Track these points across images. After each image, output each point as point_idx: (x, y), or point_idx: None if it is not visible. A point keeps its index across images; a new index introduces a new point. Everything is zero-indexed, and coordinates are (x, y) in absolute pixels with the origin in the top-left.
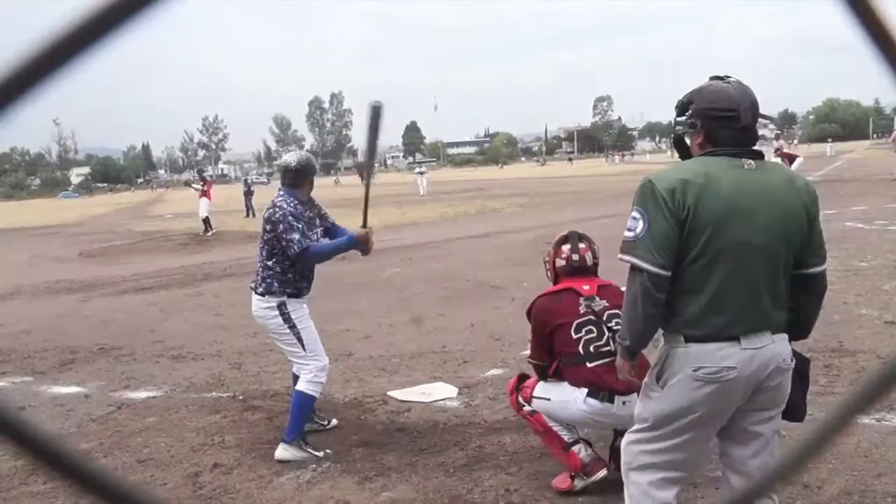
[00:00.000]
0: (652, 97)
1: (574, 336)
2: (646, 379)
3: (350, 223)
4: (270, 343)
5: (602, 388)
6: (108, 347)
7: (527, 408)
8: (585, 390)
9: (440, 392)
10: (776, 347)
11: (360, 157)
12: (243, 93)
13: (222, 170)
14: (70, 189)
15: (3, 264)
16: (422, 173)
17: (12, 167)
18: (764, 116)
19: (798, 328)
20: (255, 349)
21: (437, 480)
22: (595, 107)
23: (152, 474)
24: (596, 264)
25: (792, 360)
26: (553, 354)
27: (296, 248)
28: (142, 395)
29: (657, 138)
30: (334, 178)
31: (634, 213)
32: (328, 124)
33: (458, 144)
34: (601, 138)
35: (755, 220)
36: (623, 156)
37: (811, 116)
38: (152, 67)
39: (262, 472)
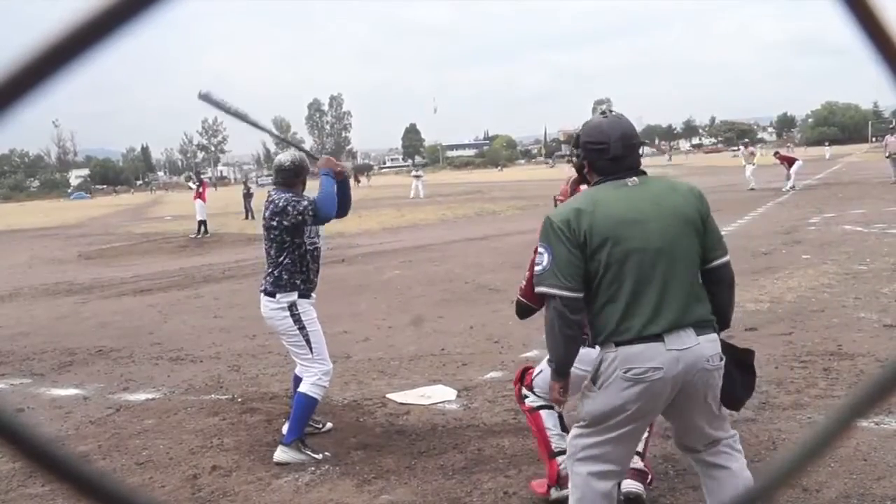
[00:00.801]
0: (651, 100)
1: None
2: (585, 381)
3: (346, 225)
4: (269, 345)
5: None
6: (106, 349)
7: (528, 400)
8: None
9: (439, 395)
10: (701, 349)
11: (360, 160)
12: (243, 95)
13: (221, 172)
14: (70, 189)
15: (1, 266)
16: (418, 177)
17: (11, 169)
18: (643, 143)
19: (718, 319)
20: (254, 351)
21: (435, 483)
22: (594, 109)
23: (151, 476)
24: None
25: (721, 360)
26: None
27: (310, 210)
28: (140, 397)
29: (657, 141)
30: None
31: (540, 249)
32: (327, 126)
33: (457, 147)
34: None
35: (648, 228)
36: None
37: (810, 119)
38: (151, 69)
39: (261, 474)
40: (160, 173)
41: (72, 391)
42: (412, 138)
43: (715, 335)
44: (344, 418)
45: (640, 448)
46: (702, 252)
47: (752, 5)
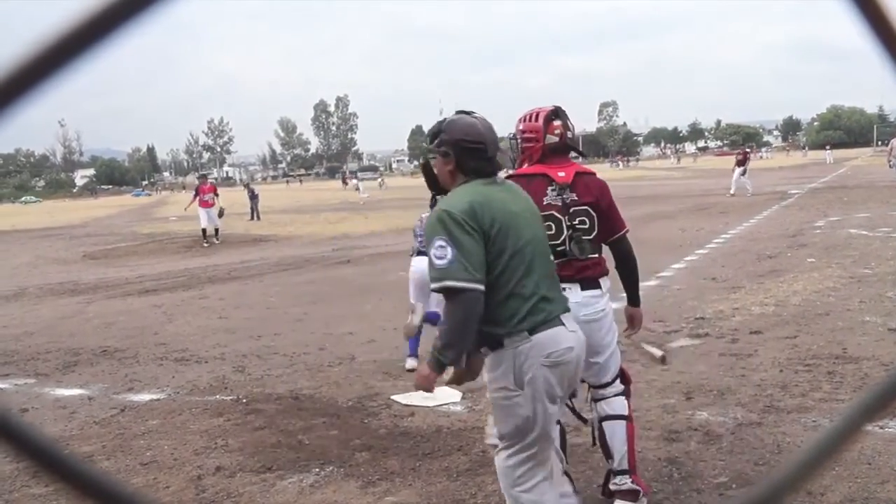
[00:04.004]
0: (657, 102)
1: None
2: (496, 394)
3: (352, 226)
4: (274, 346)
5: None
6: (111, 350)
7: None
8: None
9: (444, 396)
10: (579, 326)
11: (366, 162)
12: (249, 95)
13: (227, 172)
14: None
15: (6, 266)
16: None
17: (17, 168)
18: (502, 151)
19: None
20: (259, 352)
21: (440, 485)
22: (600, 112)
23: (155, 477)
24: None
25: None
26: None
27: None
28: (145, 397)
29: (662, 144)
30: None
31: (439, 243)
32: (333, 128)
33: None
34: (606, 143)
35: (525, 222)
36: (628, 161)
37: (815, 123)
38: (157, 70)
39: (265, 475)
40: (166, 174)
41: (76, 391)
42: (418, 140)
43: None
44: (349, 420)
45: (624, 466)
46: None
47: (758, 9)
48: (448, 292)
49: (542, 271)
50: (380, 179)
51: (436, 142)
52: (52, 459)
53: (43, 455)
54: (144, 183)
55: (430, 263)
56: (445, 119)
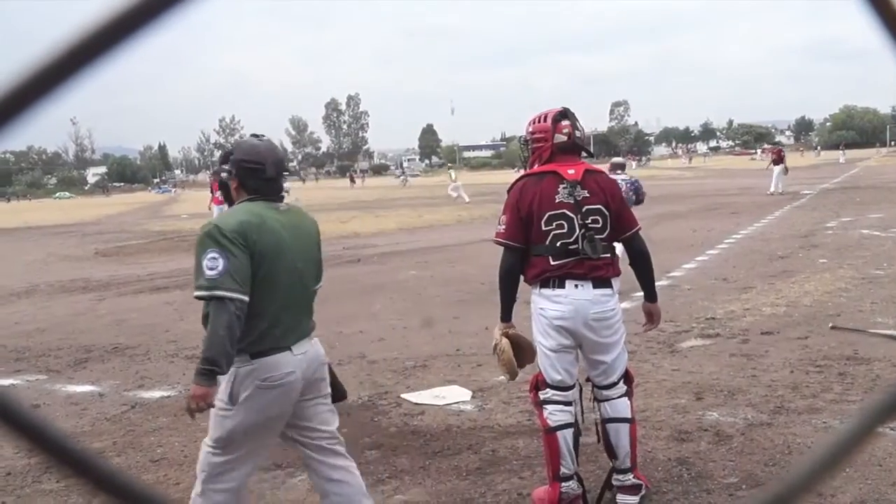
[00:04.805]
0: (668, 102)
1: (544, 228)
2: (216, 402)
3: (362, 225)
4: None
5: (554, 277)
6: (122, 347)
7: (547, 414)
8: (539, 289)
9: (454, 395)
10: (316, 350)
11: (377, 160)
12: (260, 94)
13: None
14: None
15: (18, 263)
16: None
17: (29, 165)
18: (287, 170)
19: None
20: None
21: (449, 484)
22: (612, 111)
23: (165, 473)
24: (584, 146)
25: (325, 358)
26: (527, 239)
27: None
28: (156, 394)
29: (673, 143)
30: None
31: (212, 255)
32: (345, 126)
33: (474, 148)
34: (617, 143)
35: (294, 251)
36: (640, 160)
37: (828, 124)
38: (169, 68)
39: (275, 472)
40: (177, 171)
41: (87, 388)
42: (429, 139)
43: (317, 340)
44: (359, 418)
45: (627, 464)
46: (318, 274)
47: (771, 8)
48: (217, 301)
49: (291, 301)
50: (403, 177)
51: (227, 163)
52: (65, 453)
53: (57, 449)
54: (156, 181)
55: (200, 273)
56: (237, 141)
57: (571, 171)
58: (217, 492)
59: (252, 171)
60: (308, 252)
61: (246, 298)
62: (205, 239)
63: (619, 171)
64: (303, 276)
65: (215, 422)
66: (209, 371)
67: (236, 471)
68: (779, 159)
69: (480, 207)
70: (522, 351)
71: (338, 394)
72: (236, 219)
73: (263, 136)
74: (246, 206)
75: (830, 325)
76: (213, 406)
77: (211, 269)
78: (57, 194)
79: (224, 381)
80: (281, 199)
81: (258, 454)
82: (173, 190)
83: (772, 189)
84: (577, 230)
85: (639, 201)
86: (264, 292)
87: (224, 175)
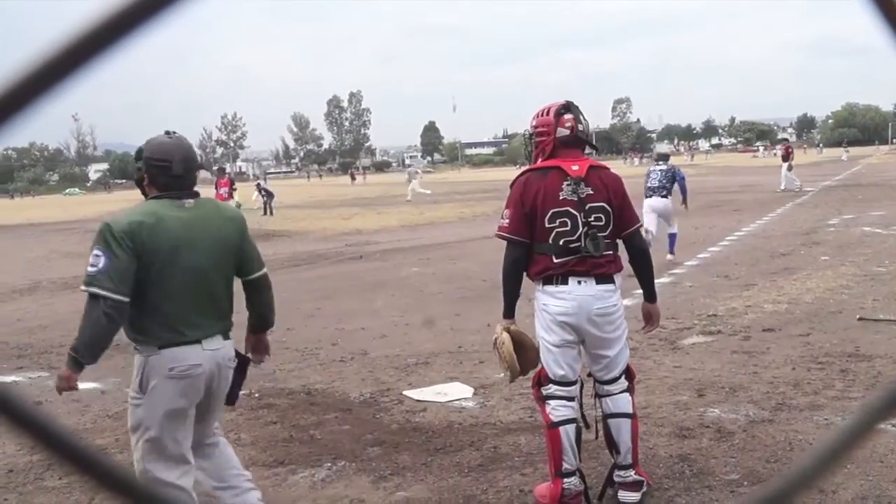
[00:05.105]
0: (671, 99)
1: (547, 226)
2: (129, 393)
3: (365, 222)
4: (287, 341)
5: (557, 274)
6: (124, 344)
7: (550, 408)
8: (542, 286)
9: (456, 392)
10: (226, 351)
11: (379, 157)
12: (262, 91)
13: (240, 167)
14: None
15: (20, 260)
16: (411, 177)
17: (31, 162)
18: (201, 166)
19: (261, 322)
20: (272, 347)
21: (451, 480)
22: (614, 108)
23: None
24: (588, 140)
25: (234, 360)
26: (531, 234)
27: None
28: None
29: (675, 141)
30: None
31: (96, 252)
32: (346, 123)
33: (476, 145)
34: (619, 140)
35: (199, 248)
36: (642, 157)
37: (830, 121)
38: (171, 64)
39: (277, 469)
40: None
41: (89, 385)
42: (431, 136)
43: (232, 341)
44: (360, 415)
45: (629, 460)
46: (241, 267)
47: (773, 6)
48: (91, 297)
49: (194, 297)
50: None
51: (140, 161)
52: (70, 450)
53: (61, 446)
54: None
55: (87, 267)
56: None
57: (575, 168)
58: (145, 473)
59: (160, 169)
60: (217, 249)
61: (120, 298)
62: (97, 235)
63: (660, 162)
64: (207, 273)
65: (130, 410)
66: (73, 358)
67: (162, 453)
68: (786, 155)
69: (482, 204)
70: (524, 350)
71: (230, 397)
72: (129, 219)
73: (174, 133)
74: (146, 206)
75: (858, 316)
76: (76, 388)
77: (92, 265)
78: (67, 191)
79: (135, 371)
80: (191, 194)
81: (174, 441)
82: (262, 181)
83: (783, 186)
84: (581, 228)
85: (683, 192)
86: (161, 288)
87: (137, 174)
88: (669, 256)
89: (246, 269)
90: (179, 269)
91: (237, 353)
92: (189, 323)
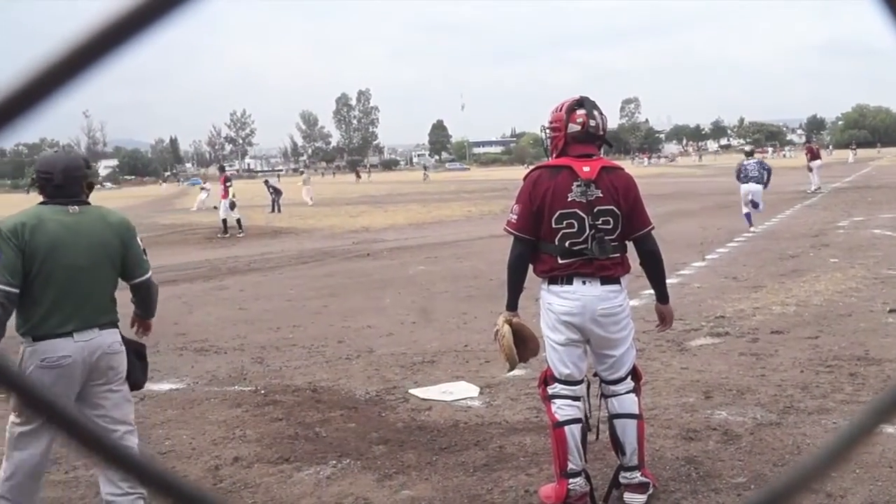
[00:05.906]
0: (679, 100)
1: (554, 226)
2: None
3: (372, 219)
4: (293, 338)
5: (562, 274)
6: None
7: (555, 408)
8: (547, 285)
9: (461, 391)
10: (102, 339)
11: (387, 156)
12: (271, 88)
13: (249, 164)
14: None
15: None
16: (304, 182)
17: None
18: (86, 177)
19: (142, 314)
20: (278, 344)
21: (456, 480)
22: (622, 108)
23: (173, 466)
24: (604, 136)
25: (121, 346)
26: (538, 232)
27: None
28: (164, 387)
29: (684, 141)
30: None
31: None
32: (355, 121)
33: (484, 144)
34: (628, 140)
35: (78, 249)
36: (650, 157)
37: (840, 122)
38: (181, 62)
39: (283, 466)
40: (188, 165)
41: None
42: (439, 134)
43: (114, 330)
44: (366, 413)
45: (635, 462)
46: (124, 270)
47: (783, 6)
48: None
49: (71, 293)
50: (424, 173)
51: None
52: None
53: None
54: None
55: None
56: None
57: (587, 169)
58: (20, 451)
59: (44, 179)
60: (96, 250)
61: (9, 289)
62: None
63: (750, 157)
64: (86, 273)
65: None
66: None
67: (34, 443)
68: (814, 156)
69: (490, 203)
70: (525, 341)
71: (133, 382)
72: (15, 221)
73: (61, 148)
74: (33, 210)
75: (889, 308)
76: None
77: None
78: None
79: (18, 361)
80: (77, 202)
81: (42, 427)
82: (205, 183)
83: (813, 186)
84: (587, 230)
85: (768, 177)
86: (40, 284)
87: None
88: (752, 229)
89: (128, 273)
90: (58, 266)
91: (130, 341)
92: (65, 316)
